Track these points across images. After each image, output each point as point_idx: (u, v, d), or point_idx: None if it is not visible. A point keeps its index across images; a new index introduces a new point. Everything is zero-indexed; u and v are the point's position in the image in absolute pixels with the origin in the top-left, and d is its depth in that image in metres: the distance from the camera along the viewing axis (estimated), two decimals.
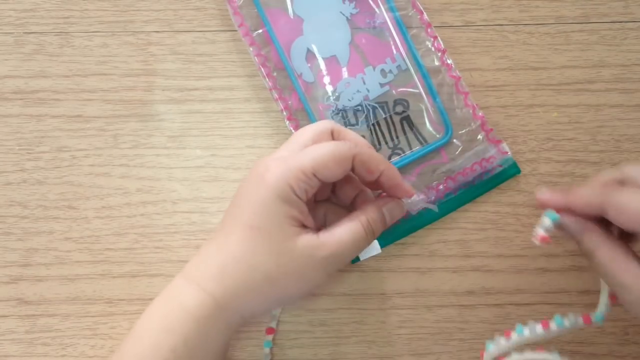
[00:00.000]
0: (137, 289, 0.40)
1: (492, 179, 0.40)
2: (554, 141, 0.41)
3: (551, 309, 0.40)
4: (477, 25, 0.42)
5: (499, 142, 0.39)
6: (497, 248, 0.40)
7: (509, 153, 0.39)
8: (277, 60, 0.40)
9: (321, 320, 0.40)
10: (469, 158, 0.39)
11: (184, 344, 0.31)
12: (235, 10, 0.40)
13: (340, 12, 0.40)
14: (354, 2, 0.40)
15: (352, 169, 0.33)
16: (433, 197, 0.39)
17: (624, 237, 0.33)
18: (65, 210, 0.40)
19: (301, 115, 0.40)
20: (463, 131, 0.40)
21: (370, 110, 0.40)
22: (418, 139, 0.40)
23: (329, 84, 0.40)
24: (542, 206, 0.33)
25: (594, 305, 0.40)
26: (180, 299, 0.32)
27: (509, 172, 0.40)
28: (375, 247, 0.38)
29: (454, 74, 0.40)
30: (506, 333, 0.35)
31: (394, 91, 0.40)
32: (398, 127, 0.40)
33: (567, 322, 0.34)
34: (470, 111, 0.40)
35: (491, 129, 0.40)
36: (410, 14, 0.40)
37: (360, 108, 0.40)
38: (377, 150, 0.40)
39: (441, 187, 0.39)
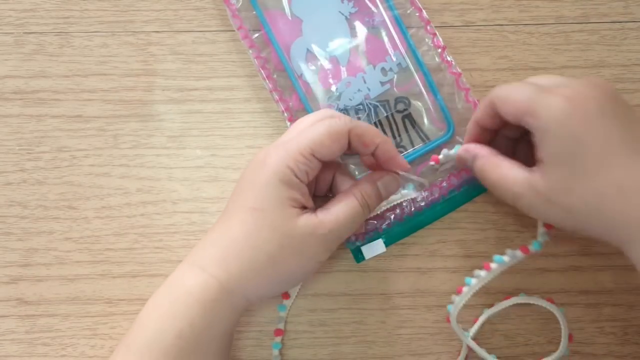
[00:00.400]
0: (137, 289, 0.40)
1: None
2: None
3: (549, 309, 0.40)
4: (477, 25, 0.42)
5: None
6: (497, 248, 0.40)
7: None
8: (277, 61, 0.40)
9: (321, 320, 0.40)
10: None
11: (190, 328, 0.31)
12: (234, 13, 0.40)
13: (339, 12, 0.40)
14: (353, 1, 0.40)
15: (349, 145, 0.33)
16: (437, 194, 0.39)
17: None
18: (65, 210, 0.40)
19: (302, 116, 0.40)
20: (465, 127, 0.40)
21: (372, 109, 0.40)
22: (420, 137, 0.40)
23: (330, 84, 0.40)
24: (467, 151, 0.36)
25: (594, 305, 0.40)
26: (185, 284, 0.32)
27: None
28: (380, 246, 0.39)
29: (455, 71, 0.40)
30: (458, 290, 0.37)
31: (394, 89, 0.40)
32: (400, 125, 0.40)
33: (506, 258, 0.36)
34: (472, 107, 0.40)
35: None
36: (408, 11, 0.40)
37: (361, 107, 0.40)
38: None
39: (444, 184, 0.39)
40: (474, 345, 0.38)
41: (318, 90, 0.40)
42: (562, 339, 0.38)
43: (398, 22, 0.40)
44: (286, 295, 0.39)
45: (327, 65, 0.40)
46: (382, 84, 0.40)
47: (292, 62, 0.40)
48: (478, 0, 0.42)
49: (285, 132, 0.35)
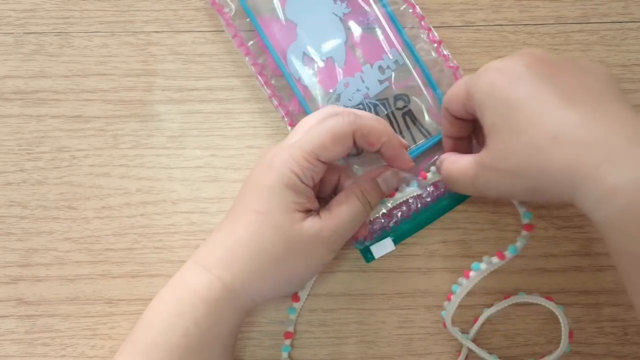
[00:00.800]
0: (137, 289, 0.40)
1: None
2: None
3: (551, 309, 0.39)
4: (476, 26, 0.42)
5: None
6: (496, 248, 0.40)
7: None
8: (274, 67, 0.40)
9: (321, 320, 0.40)
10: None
11: (195, 328, 0.32)
12: (228, 22, 0.39)
13: (333, 13, 0.40)
14: (346, 2, 0.40)
15: (355, 143, 0.33)
16: (442, 189, 0.39)
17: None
18: (65, 210, 0.40)
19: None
20: None
21: (372, 108, 0.40)
22: (422, 132, 0.40)
23: (328, 85, 0.40)
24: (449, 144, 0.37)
25: (594, 305, 0.40)
26: (190, 283, 0.33)
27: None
28: (389, 245, 0.39)
29: (452, 64, 0.40)
30: (448, 297, 0.38)
31: (393, 87, 0.40)
32: (401, 122, 0.40)
33: (483, 266, 0.36)
34: None
35: None
36: (402, 8, 0.40)
37: (361, 107, 0.40)
38: None
39: None
40: (473, 346, 0.38)
41: (317, 92, 0.40)
42: (563, 336, 0.38)
43: (392, 19, 0.40)
44: (296, 298, 0.39)
45: (324, 67, 0.40)
46: (381, 82, 0.40)
47: (289, 66, 0.40)
48: (478, 0, 0.42)
49: (291, 132, 0.35)
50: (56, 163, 0.40)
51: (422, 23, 0.40)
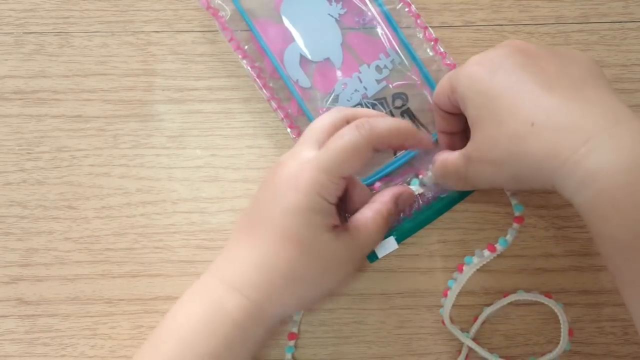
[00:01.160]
0: (137, 289, 0.40)
1: None
2: None
3: (551, 308, 0.39)
4: (476, 26, 0.42)
5: None
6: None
7: None
8: (272, 70, 0.40)
9: (321, 320, 0.40)
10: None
11: (227, 349, 0.32)
12: (223, 25, 0.39)
13: (329, 14, 0.40)
14: (341, 3, 0.40)
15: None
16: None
17: None
18: (65, 210, 0.40)
19: (302, 121, 0.40)
20: None
21: (370, 108, 0.40)
22: (421, 130, 0.40)
23: (326, 86, 0.40)
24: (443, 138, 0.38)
25: (594, 305, 0.40)
26: (223, 305, 0.32)
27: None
28: (392, 244, 0.39)
29: (449, 62, 0.40)
30: (444, 293, 0.38)
31: (391, 86, 0.40)
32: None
33: (475, 259, 0.37)
34: None
35: None
36: (398, 7, 0.40)
37: (360, 107, 0.40)
38: None
39: None
40: (473, 345, 0.38)
41: (315, 94, 0.40)
42: (562, 334, 0.38)
43: (388, 18, 0.40)
44: None
45: (321, 68, 0.40)
46: (378, 81, 0.40)
47: (286, 69, 0.39)
48: (478, 0, 0.42)
49: (304, 138, 0.34)
50: (56, 163, 0.40)
51: (418, 21, 0.40)
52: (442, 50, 0.40)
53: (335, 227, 0.33)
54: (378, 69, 0.40)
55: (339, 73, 0.40)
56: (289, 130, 0.39)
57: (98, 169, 0.40)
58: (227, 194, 0.40)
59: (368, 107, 0.40)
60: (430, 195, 0.39)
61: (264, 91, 0.39)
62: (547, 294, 0.39)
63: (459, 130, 0.37)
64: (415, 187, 0.38)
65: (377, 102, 0.40)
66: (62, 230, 0.40)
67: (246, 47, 0.40)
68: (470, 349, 0.39)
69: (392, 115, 0.40)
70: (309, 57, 0.40)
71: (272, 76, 0.40)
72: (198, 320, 0.32)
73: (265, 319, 0.33)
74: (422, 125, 0.40)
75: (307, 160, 0.33)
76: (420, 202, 0.39)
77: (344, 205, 0.36)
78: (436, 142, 0.39)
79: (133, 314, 0.40)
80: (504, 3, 0.42)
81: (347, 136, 0.32)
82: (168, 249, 0.40)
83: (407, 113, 0.40)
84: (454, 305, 0.39)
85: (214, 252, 0.40)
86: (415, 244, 0.40)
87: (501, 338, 0.40)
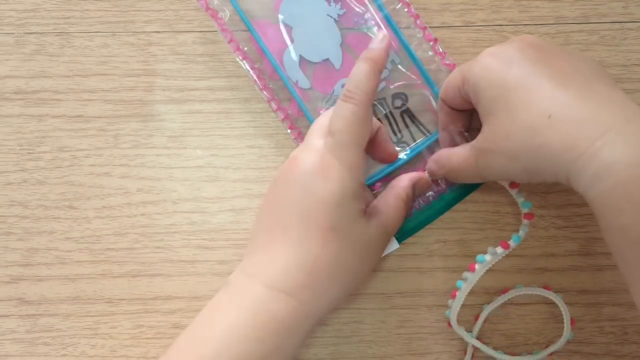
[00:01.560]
0: (137, 288, 0.40)
1: None
2: None
3: (550, 308, 0.40)
4: (477, 26, 0.42)
5: None
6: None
7: None
8: (272, 71, 0.40)
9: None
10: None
11: (275, 353, 0.31)
12: (223, 27, 0.39)
13: (328, 15, 0.40)
14: (340, 3, 0.40)
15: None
16: (444, 185, 0.39)
17: None
18: (65, 210, 0.40)
19: (302, 122, 0.40)
20: None
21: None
22: (421, 130, 0.40)
23: (326, 87, 0.40)
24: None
25: (594, 305, 0.40)
26: (269, 308, 0.31)
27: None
28: (393, 243, 0.39)
29: (448, 62, 0.40)
30: (452, 294, 0.38)
31: (390, 86, 0.40)
32: (399, 121, 0.40)
33: (488, 257, 0.37)
34: None
35: None
36: (397, 7, 0.40)
37: None
38: None
39: None
40: (479, 344, 0.38)
41: (315, 95, 0.40)
42: (565, 324, 0.38)
43: (387, 19, 0.40)
44: None
45: (321, 69, 0.40)
46: None
47: (286, 70, 0.39)
48: (478, 0, 0.42)
49: (310, 132, 0.35)
50: (57, 163, 0.41)
51: (418, 22, 0.40)
52: (441, 50, 0.40)
53: (364, 212, 0.34)
54: None
55: (338, 74, 0.40)
56: (289, 131, 0.39)
57: (99, 169, 0.41)
58: (227, 194, 0.40)
59: None
60: (431, 195, 0.39)
61: (264, 92, 0.39)
62: (546, 286, 0.39)
63: (462, 127, 0.37)
64: None
65: (377, 102, 0.40)
66: (63, 230, 0.40)
67: (246, 48, 0.40)
68: (472, 349, 0.39)
69: (392, 115, 0.40)
70: (309, 58, 0.40)
71: (272, 77, 0.40)
72: (242, 325, 0.31)
73: (311, 317, 0.32)
74: (422, 125, 0.40)
75: (324, 147, 0.33)
76: (421, 202, 0.39)
77: None
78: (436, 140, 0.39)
79: (134, 313, 0.40)
80: (504, 3, 0.42)
81: (343, 110, 0.33)
82: (169, 248, 0.40)
83: (407, 113, 0.40)
84: None
85: (214, 251, 0.40)
86: (415, 244, 0.40)
87: (501, 338, 0.40)
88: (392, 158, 0.38)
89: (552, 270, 0.40)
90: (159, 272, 0.40)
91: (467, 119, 0.37)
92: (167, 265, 0.40)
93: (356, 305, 0.40)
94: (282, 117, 0.39)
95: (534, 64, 0.30)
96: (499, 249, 0.37)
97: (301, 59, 0.40)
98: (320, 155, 0.33)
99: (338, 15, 0.40)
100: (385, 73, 0.40)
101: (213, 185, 0.40)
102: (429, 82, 0.40)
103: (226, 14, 0.40)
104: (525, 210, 0.37)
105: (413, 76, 0.40)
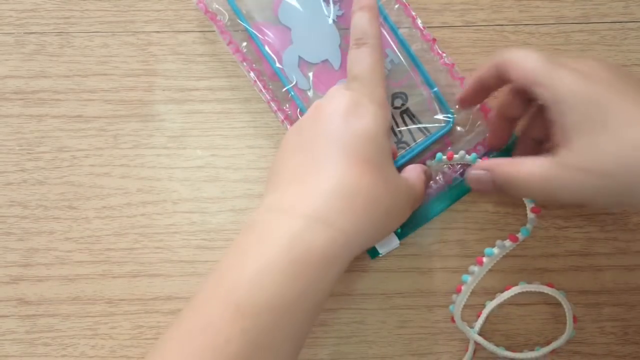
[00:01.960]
0: (137, 289, 0.40)
1: (498, 156, 0.39)
2: None
3: (550, 308, 0.40)
4: (477, 26, 0.42)
5: None
6: None
7: None
8: (271, 72, 0.40)
9: (321, 320, 0.40)
10: (471, 140, 0.39)
11: (313, 288, 0.29)
12: (222, 29, 0.39)
13: (326, 16, 0.40)
14: (338, 4, 0.40)
15: None
16: (442, 182, 0.39)
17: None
18: (65, 210, 0.40)
19: None
20: (464, 116, 0.40)
21: None
22: (421, 131, 0.40)
23: (325, 88, 0.40)
24: (462, 104, 0.38)
25: (594, 305, 0.40)
26: (308, 240, 0.29)
27: (511, 147, 0.40)
28: (393, 240, 0.39)
29: (447, 62, 0.40)
30: (457, 289, 0.38)
31: (390, 86, 0.40)
32: (399, 121, 0.40)
33: (496, 250, 0.37)
34: None
35: (490, 109, 0.39)
36: (395, 7, 0.40)
37: None
38: None
39: (448, 171, 0.39)
40: (481, 340, 0.38)
41: (314, 96, 0.40)
42: (568, 320, 0.38)
43: (386, 19, 0.40)
44: None
45: (320, 70, 0.40)
46: None
47: (285, 71, 0.39)
48: (478, 0, 0.42)
49: (329, 92, 0.35)
50: (57, 163, 0.41)
51: (416, 22, 0.40)
52: (439, 50, 0.40)
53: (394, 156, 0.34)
54: None
55: (337, 74, 0.40)
56: None
57: (99, 169, 0.40)
58: (227, 194, 0.40)
59: None
60: (430, 192, 0.39)
61: (264, 93, 0.39)
62: (549, 283, 0.39)
63: (542, 135, 0.36)
64: (435, 163, 0.38)
65: None
66: (62, 230, 0.40)
67: (245, 50, 0.40)
68: (474, 346, 0.39)
69: (392, 115, 0.40)
70: (308, 59, 0.40)
71: (272, 78, 0.40)
72: (276, 262, 0.29)
73: (348, 250, 0.31)
74: (422, 125, 0.40)
75: (350, 90, 0.34)
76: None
77: None
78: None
79: (134, 314, 0.40)
80: (505, 3, 0.42)
81: (360, 54, 0.34)
82: (168, 249, 0.40)
83: (407, 113, 0.40)
84: (453, 305, 0.39)
85: (215, 252, 0.40)
86: (415, 244, 0.40)
87: (501, 338, 0.40)
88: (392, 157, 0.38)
89: (553, 271, 0.40)
90: (159, 273, 0.40)
91: (545, 126, 0.34)
92: (167, 266, 0.40)
93: (356, 305, 0.40)
94: (282, 117, 0.39)
95: (625, 87, 0.30)
96: (507, 242, 0.37)
97: (300, 60, 0.40)
98: (349, 96, 0.33)
99: (337, 16, 0.40)
100: (385, 73, 0.40)
101: (213, 186, 0.40)
102: (428, 82, 0.40)
103: (225, 16, 0.39)
104: (531, 205, 0.37)
105: (413, 76, 0.40)
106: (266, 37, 0.39)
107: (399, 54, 0.40)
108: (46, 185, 0.40)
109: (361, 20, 0.35)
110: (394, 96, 0.40)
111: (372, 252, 0.39)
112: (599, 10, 0.41)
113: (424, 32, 0.40)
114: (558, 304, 0.39)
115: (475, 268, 0.37)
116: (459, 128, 0.40)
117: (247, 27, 0.39)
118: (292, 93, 0.39)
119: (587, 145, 0.30)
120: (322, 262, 0.29)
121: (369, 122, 0.32)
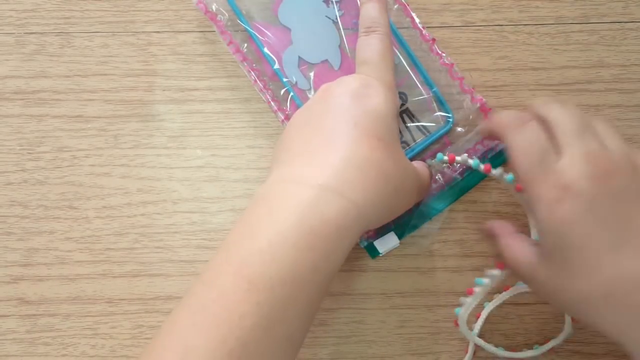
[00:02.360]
0: (137, 288, 0.40)
1: (496, 157, 0.40)
2: None
3: (550, 308, 0.40)
4: (476, 26, 0.42)
5: None
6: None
7: None
8: (271, 72, 0.40)
9: (321, 320, 0.40)
10: (471, 139, 0.39)
11: (325, 261, 0.29)
12: (222, 29, 0.39)
13: (326, 16, 0.40)
14: (338, 4, 0.40)
15: None
16: (442, 182, 0.39)
17: None
18: (66, 210, 0.40)
19: None
20: (463, 116, 0.40)
21: None
22: (421, 130, 0.40)
23: None
24: (487, 135, 0.35)
25: None
26: (320, 210, 0.29)
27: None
28: (393, 239, 0.39)
29: (446, 62, 0.40)
30: (468, 291, 0.35)
31: None
32: (399, 121, 0.40)
33: (486, 280, 0.34)
34: (468, 96, 0.40)
35: (490, 109, 0.40)
36: (394, 7, 0.40)
37: None
38: None
39: (448, 171, 0.39)
40: (482, 342, 0.38)
41: None
42: (566, 319, 0.38)
43: None
44: None
45: (320, 70, 0.40)
46: None
47: (285, 71, 0.40)
48: (478, 0, 0.42)
49: (337, 80, 0.34)
50: (57, 163, 0.41)
51: (415, 22, 0.40)
52: (438, 50, 0.40)
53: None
54: None
55: (337, 74, 0.40)
56: None
57: (99, 169, 0.41)
58: (227, 194, 0.40)
59: None
60: (434, 188, 0.39)
61: (264, 93, 0.39)
62: None
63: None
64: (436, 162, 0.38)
65: None
66: (63, 230, 0.40)
67: (245, 50, 0.40)
68: (474, 347, 0.39)
69: None
70: (308, 59, 0.40)
71: (272, 79, 0.40)
72: (289, 234, 0.28)
73: (359, 223, 0.30)
74: (422, 125, 0.40)
75: (358, 74, 0.34)
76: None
77: None
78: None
79: (134, 313, 0.40)
80: (504, 3, 0.42)
81: (370, 40, 0.35)
82: (169, 248, 0.40)
83: (407, 113, 0.40)
84: (453, 305, 0.39)
85: (215, 252, 0.40)
86: (415, 243, 0.40)
87: (501, 338, 0.40)
88: None
89: None
90: (159, 272, 0.40)
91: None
92: (167, 265, 0.40)
93: (356, 305, 0.40)
94: (283, 118, 0.39)
95: (598, 223, 0.28)
96: (496, 271, 0.35)
97: (300, 60, 0.40)
98: (358, 78, 0.34)
99: (337, 16, 0.40)
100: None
101: (213, 185, 0.41)
102: (428, 83, 0.40)
103: (225, 16, 0.40)
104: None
105: (412, 76, 0.40)
106: (266, 38, 0.40)
107: (399, 54, 0.40)
108: (46, 185, 0.40)
109: (371, 10, 0.36)
110: None
111: (372, 252, 0.39)
112: (598, 10, 0.42)
113: (423, 32, 0.40)
114: None
115: (495, 272, 0.34)
116: (458, 128, 0.40)
117: (247, 27, 0.39)
118: (292, 93, 0.39)
119: (553, 275, 0.30)
120: (335, 234, 0.29)
121: (380, 102, 0.32)
